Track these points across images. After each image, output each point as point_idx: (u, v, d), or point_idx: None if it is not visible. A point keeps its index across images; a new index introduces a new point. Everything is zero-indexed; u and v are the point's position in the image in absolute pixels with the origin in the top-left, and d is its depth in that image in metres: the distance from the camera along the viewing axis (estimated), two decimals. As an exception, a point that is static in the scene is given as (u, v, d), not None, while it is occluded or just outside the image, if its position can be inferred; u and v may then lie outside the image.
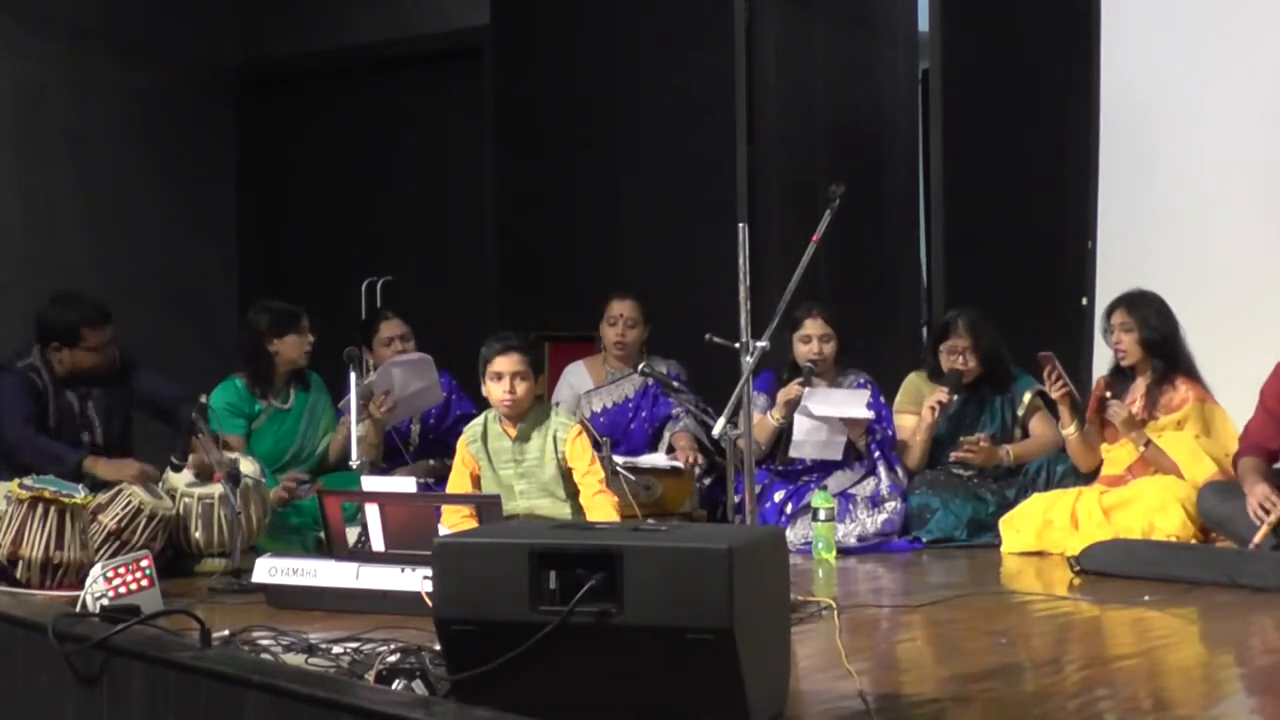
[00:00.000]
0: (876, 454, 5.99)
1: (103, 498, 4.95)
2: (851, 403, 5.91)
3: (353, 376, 5.40)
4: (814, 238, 4.64)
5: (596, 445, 5.32)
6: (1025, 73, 6.73)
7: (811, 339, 6.04)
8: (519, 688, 2.92)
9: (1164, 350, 5.71)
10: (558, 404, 6.20)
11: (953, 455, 6.00)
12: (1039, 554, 5.48)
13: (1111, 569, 4.93)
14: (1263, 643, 4.09)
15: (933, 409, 5.98)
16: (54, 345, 5.54)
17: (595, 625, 2.88)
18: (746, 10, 7.31)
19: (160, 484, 5.19)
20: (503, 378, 5.15)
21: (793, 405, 5.99)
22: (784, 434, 6.04)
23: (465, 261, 8.37)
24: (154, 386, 5.79)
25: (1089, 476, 5.85)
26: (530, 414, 5.22)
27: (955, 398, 6.04)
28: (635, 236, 7.66)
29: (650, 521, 4.15)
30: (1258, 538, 4.87)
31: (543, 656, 2.89)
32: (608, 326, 6.44)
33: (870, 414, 5.91)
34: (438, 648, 3.10)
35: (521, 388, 5.14)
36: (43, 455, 5.36)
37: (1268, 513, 4.88)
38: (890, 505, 5.85)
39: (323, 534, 4.88)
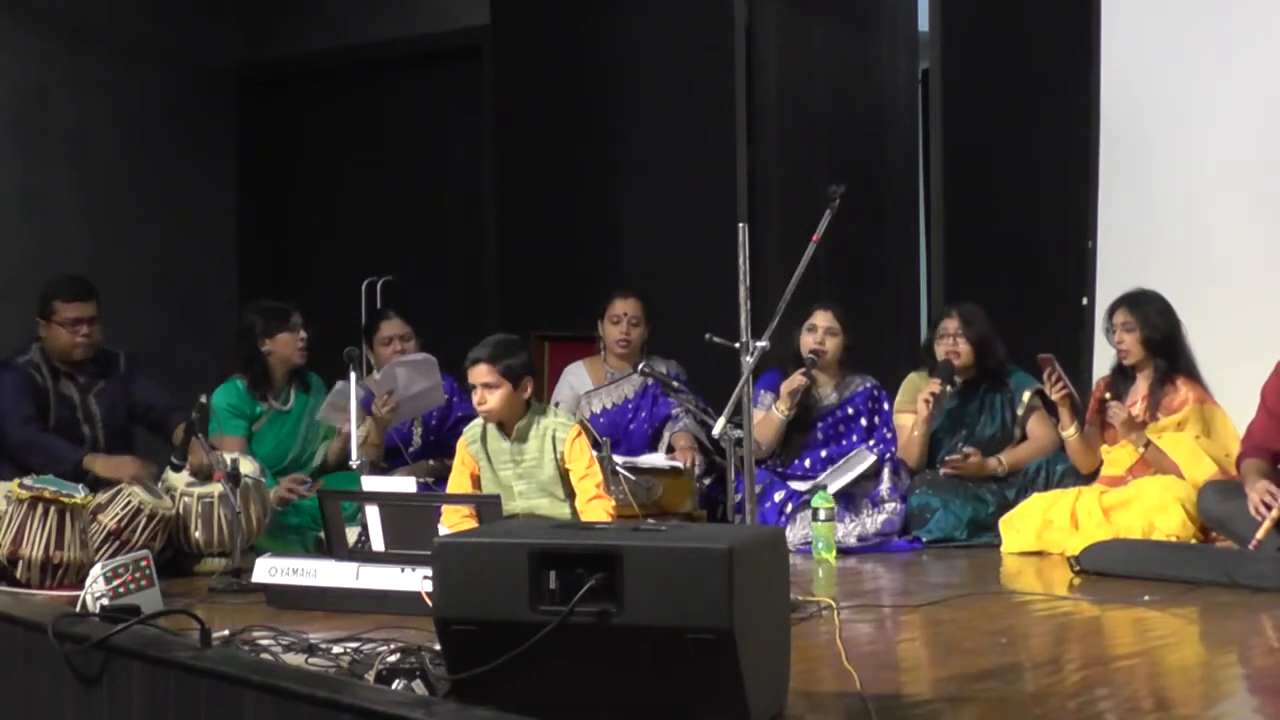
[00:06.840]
0: (886, 456, 6.01)
1: (103, 498, 4.95)
2: (856, 464, 5.92)
3: (353, 376, 5.39)
4: (814, 238, 4.63)
5: (596, 445, 5.31)
6: (1025, 73, 6.73)
7: (817, 329, 6.07)
8: (519, 688, 2.91)
9: (1166, 349, 5.71)
10: (557, 404, 6.20)
11: (941, 471, 5.99)
12: (1039, 554, 5.49)
13: (1111, 569, 4.93)
14: (1263, 643, 4.09)
15: (927, 402, 5.99)
16: (40, 323, 5.55)
17: (595, 625, 2.87)
18: (746, 10, 7.31)
19: (160, 483, 5.20)
20: (476, 389, 5.14)
21: (796, 395, 6.01)
22: (791, 431, 6.06)
23: (465, 261, 8.38)
24: (150, 394, 5.79)
25: (1089, 477, 5.85)
26: (528, 415, 5.21)
27: (948, 389, 6.05)
28: (635, 236, 7.66)
29: (650, 521, 4.15)
30: (1260, 534, 4.83)
31: (543, 656, 2.88)
32: (611, 325, 6.43)
33: (874, 457, 5.94)
34: (438, 648, 3.09)
35: (492, 398, 5.09)
36: (45, 455, 5.38)
37: (1269, 508, 4.86)
38: (890, 505, 5.86)
39: (323, 534, 4.88)
